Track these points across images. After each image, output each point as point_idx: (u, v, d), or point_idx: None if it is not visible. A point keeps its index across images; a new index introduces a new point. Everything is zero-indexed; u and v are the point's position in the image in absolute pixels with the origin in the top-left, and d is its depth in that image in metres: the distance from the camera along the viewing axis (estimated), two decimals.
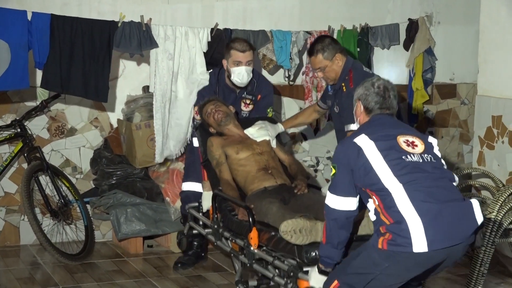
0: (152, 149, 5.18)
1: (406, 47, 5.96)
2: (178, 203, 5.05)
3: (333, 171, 2.95)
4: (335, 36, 5.42)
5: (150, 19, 4.92)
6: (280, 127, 4.59)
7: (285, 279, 3.40)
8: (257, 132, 4.30)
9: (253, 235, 3.55)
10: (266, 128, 4.41)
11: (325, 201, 2.98)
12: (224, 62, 4.67)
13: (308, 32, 5.32)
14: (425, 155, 2.86)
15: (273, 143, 4.29)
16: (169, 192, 5.07)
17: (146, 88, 5.33)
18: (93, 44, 4.92)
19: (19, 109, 5.21)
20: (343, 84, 4.14)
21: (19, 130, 5.06)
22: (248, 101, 4.71)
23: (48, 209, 5.25)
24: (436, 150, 2.99)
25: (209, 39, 5.08)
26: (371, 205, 2.91)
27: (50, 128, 5.39)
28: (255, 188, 4.00)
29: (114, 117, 5.50)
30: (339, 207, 2.93)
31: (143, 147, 5.16)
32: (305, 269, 3.36)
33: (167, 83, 5.00)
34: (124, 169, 5.32)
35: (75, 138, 5.48)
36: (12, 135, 5.13)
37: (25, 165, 5.22)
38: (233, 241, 3.81)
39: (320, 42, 4.17)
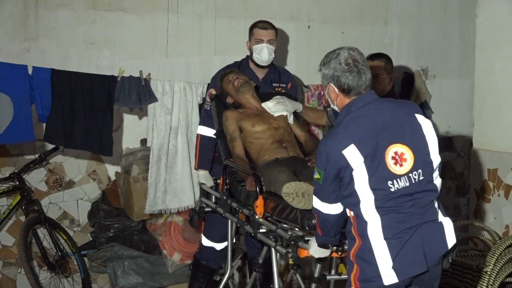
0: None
1: (404, 97, 5.93)
2: (176, 256, 4.96)
3: (318, 176, 2.71)
4: None
5: (149, 74, 4.93)
6: (299, 105, 4.45)
7: (286, 248, 3.33)
8: (275, 107, 4.12)
9: (259, 203, 3.46)
10: (284, 103, 4.26)
11: (312, 204, 2.84)
12: (247, 43, 4.58)
13: (306, 86, 5.35)
14: (413, 173, 2.62)
15: (290, 119, 4.12)
16: (167, 244, 4.98)
17: (144, 141, 5.32)
18: (94, 98, 4.93)
19: (17, 162, 5.18)
20: None
21: (17, 183, 5.02)
22: (280, 90, 4.59)
23: (46, 262, 5.20)
24: (430, 148, 2.71)
25: (204, 95, 5.05)
26: (347, 212, 2.77)
27: (48, 181, 5.36)
28: (267, 159, 3.88)
29: (112, 169, 5.48)
30: (327, 211, 2.78)
31: (140, 200, 5.07)
32: (306, 238, 3.29)
33: (164, 137, 5.00)
34: (121, 222, 5.24)
35: (73, 191, 5.46)
36: (10, 188, 5.10)
37: (22, 218, 5.17)
38: (240, 211, 3.69)
39: (384, 55, 4.22)
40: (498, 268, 4.09)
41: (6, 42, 5.13)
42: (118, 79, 4.90)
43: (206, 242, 4.52)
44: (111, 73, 5.01)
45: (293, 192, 3.29)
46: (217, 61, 5.45)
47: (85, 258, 5.25)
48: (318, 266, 3.27)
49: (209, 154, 4.43)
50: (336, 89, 2.69)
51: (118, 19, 5.37)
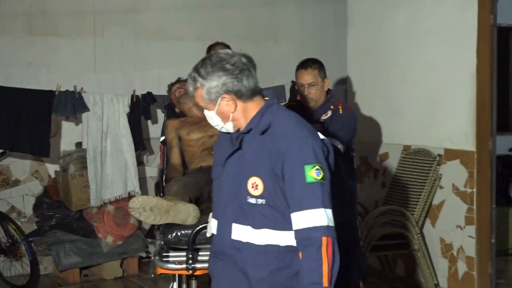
0: (85, 194, 5.38)
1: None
2: (109, 238, 5.28)
3: (322, 174, 2.18)
4: None
5: (82, 88, 5.29)
6: None
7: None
8: None
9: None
10: None
11: (314, 224, 2.13)
12: None
13: None
14: None
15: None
16: (101, 229, 5.29)
17: (78, 144, 5.59)
18: (34, 109, 5.22)
19: None
20: (332, 107, 3.80)
21: None
22: None
23: None
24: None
25: (130, 104, 5.44)
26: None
27: None
28: (193, 167, 3.70)
29: (52, 168, 5.66)
30: (333, 223, 2.20)
31: (77, 193, 5.37)
32: (164, 253, 3.10)
33: (97, 140, 5.38)
34: (62, 212, 5.45)
35: (19, 188, 5.62)
36: None
37: None
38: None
39: (316, 61, 3.86)
40: (370, 234, 4.70)
41: None
42: (56, 93, 5.23)
43: None
44: (49, 88, 5.28)
45: (139, 207, 3.06)
46: (138, 75, 5.76)
47: (32, 244, 5.37)
48: None
49: None
50: (235, 99, 2.25)
51: (53, 42, 5.59)
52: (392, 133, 5.52)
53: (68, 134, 5.74)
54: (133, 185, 5.50)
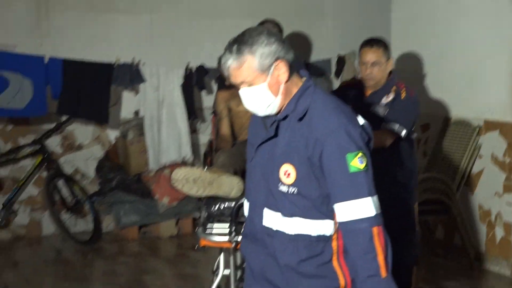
0: (143, 159, 5.61)
1: (338, 76, 6.28)
2: (165, 200, 5.49)
3: (365, 161, 2.04)
4: None
5: (139, 60, 5.50)
6: None
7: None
8: None
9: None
10: None
11: (362, 216, 2.01)
12: None
13: None
14: None
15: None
16: (158, 191, 5.53)
17: (137, 112, 5.80)
18: (96, 80, 5.43)
19: (37, 130, 5.58)
20: (395, 89, 3.57)
21: (39, 147, 5.48)
22: None
23: (64, 207, 5.64)
24: None
25: (184, 76, 5.62)
26: (329, 226, 2.11)
27: (63, 145, 5.76)
28: (241, 139, 3.58)
29: (113, 134, 5.86)
30: (380, 209, 2.06)
31: (135, 158, 5.61)
32: (208, 225, 2.96)
33: (153, 109, 5.60)
34: (121, 175, 5.66)
35: (83, 152, 5.84)
36: (34, 151, 5.50)
37: (44, 174, 5.61)
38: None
39: (382, 40, 3.63)
40: None
41: (24, 39, 5.47)
42: (115, 65, 5.43)
43: None
44: (109, 61, 5.46)
45: (182, 178, 2.94)
46: (192, 49, 5.84)
47: (95, 203, 5.67)
48: None
49: None
50: (286, 66, 2.09)
51: (113, 18, 5.73)
52: (433, 105, 5.55)
53: (128, 103, 5.90)
54: (186, 151, 5.70)
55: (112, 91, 5.56)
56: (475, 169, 5.24)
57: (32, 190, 5.78)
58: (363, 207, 2.01)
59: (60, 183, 5.69)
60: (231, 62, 2.06)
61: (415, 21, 5.76)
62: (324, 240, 2.10)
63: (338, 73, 6.32)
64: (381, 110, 3.54)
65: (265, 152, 2.15)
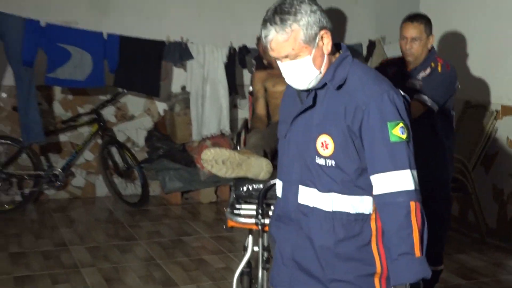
0: (188, 130, 5.80)
1: (367, 60, 6.31)
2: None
3: (406, 132, 1.89)
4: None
5: (187, 39, 5.66)
6: None
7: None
8: None
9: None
10: None
11: (401, 188, 1.87)
12: None
13: None
14: None
15: None
16: (200, 160, 5.14)
17: (183, 88, 5.97)
18: (149, 56, 5.57)
19: (95, 101, 5.78)
20: (432, 64, 3.47)
21: (95, 116, 5.67)
22: None
23: (116, 171, 5.86)
24: None
25: (227, 54, 5.77)
26: (368, 203, 1.98)
27: (116, 115, 5.96)
28: (275, 120, 3.45)
29: (161, 107, 6.03)
30: (419, 186, 1.90)
31: (181, 129, 5.79)
32: (237, 206, 2.81)
33: (198, 85, 5.77)
34: (168, 144, 5.84)
35: (134, 122, 6.02)
36: (91, 119, 5.70)
37: (99, 141, 5.82)
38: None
39: (424, 16, 3.51)
40: None
41: (85, 15, 5.66)
42: (166, 43, 5.61)
43: None
44: (160, 38, 5.64)
45: (212, 159, 2.83)
46: (235, 29, 5.95)
47: (143, 170, 5.83)
48: None
49: None
50: (330, 37, 1.98)
51: (164, 0, 5.87)
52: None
53: (177, 79, 6.04)
54: (225, 124, 5.84)
55: (163, 67, 5.68)
56: (490, 151, 5.28)
57: (88, 155, 5.97)
58: (402, 180, 1.84)
59: (113, 150, 5.85)
60: (274, 35, 1.87)
61: (442, 8, 5.73)
62: (362, 219, 1.94)
63: (368, 57, 6.37)
64: (417, 84, 3.39)
65: (301, 125, 1.99)
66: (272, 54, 1.93)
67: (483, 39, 5.42)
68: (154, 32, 5.75)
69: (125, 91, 5.81)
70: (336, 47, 1.98)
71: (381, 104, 1.85)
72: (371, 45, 6.36)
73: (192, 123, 5.79)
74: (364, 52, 6.30)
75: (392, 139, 1.85)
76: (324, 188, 1.94)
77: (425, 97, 3.32)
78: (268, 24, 1.87)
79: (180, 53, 5.72)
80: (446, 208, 3.65)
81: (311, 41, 1.88)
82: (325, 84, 1.93)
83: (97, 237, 5.01)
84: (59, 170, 5.68)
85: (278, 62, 1.95)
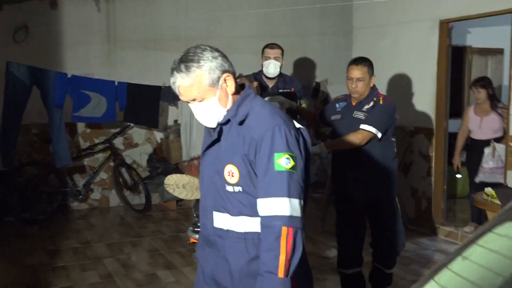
0: (180, 153, 5.97)
1: (315, 97, 6.33)
2: None
3: (292, 163, 1.79)
4: None
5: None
6: (293, 104, 3.68)
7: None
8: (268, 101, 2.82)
9: None
10: (278, 99, 3.57)
11: (275, 213, 1.78)
12: (261, 61, 4.06)
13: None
14: None
15: None
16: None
17: (176, 121, 6.16)
18: (149, 98, 5.74)
19: (107, 133, 5.97)
20: (375, 98, 3.42)
21: (108, 144, 5.91)
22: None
23: (125, 186, 6.07)
24: None
25: None
26: None
27: (124, 143, 6.12)
28: None
29: (159, 136, 6.17)
30: (299, 214, 1.81)
31: (175, 152, 6.02)
32: (199, 224, 2.65)
33: (187, 119, 5.95)
34: (165, 164, 6.04)
35: (138, 149, 6.15)
36: (105, 147, 5.92)
37: (112, 164, 5.99)
38: None
39: (367, 59, 3.44)
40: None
41: (99, 68, 5.88)
42: (162, 87, 5.81)
43: None
44: (158, 84, 5.81)
45: (173, 183, 2.70)
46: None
47: (146, 184, 5.98)
48: None
49: None
50: (232, 80, 1.90)
51: (161, 55, 5.88)
52: None
53: (171, 114, 6.21)
54: None
55: (160, 106, 5.88)
56: (408, 160, 5.70)
57: (103, 175, 6.13)
58: (278, 206, 1.74)
59: (123, 170, 6.07)
60: (181, 81, 1.79)
61: (368, 55, 5.87)
62: None
63: (314, 95, 6.47)
64: (362, 115, 3.38)
65: (211, 157, 1.92)
66: (182, 98, 1.87)
67: (399, 78, 5.78)
68: (153, 79, 5.93)
69: (131, 124, 6.00)
70: (242, 87, 1.93)
71: (272, 137, 1.78)
72: (317, 85, 6.54)
73: (183, 147, 6.00)
74: (311, 91, 6.46)
75: (276, 168, 1.76)
76: (234, 212, 1.86)
77: (370, 127, 3.30)
78: (175, 72, 1.80)
79: (173, 95, 5.66)
80: (393, 219, 3.56)
81: (214, 83, 1.81)
82: (229, 120, 1.87)
83: (113, 236, 5.15)
84: (81, 187, 5.87)
85: (189, 105, 1.89)
